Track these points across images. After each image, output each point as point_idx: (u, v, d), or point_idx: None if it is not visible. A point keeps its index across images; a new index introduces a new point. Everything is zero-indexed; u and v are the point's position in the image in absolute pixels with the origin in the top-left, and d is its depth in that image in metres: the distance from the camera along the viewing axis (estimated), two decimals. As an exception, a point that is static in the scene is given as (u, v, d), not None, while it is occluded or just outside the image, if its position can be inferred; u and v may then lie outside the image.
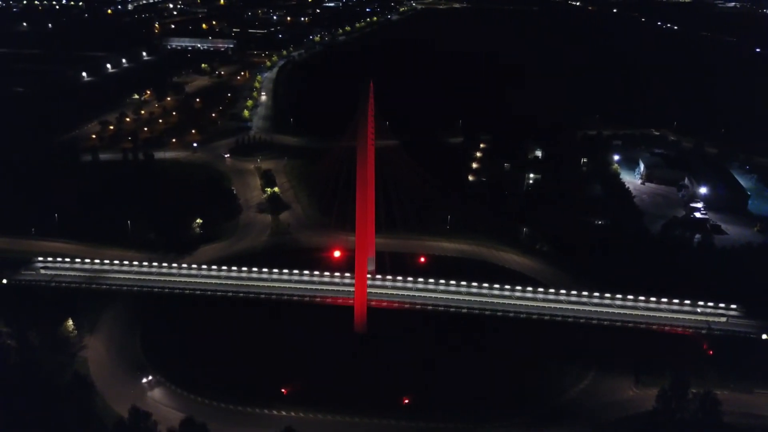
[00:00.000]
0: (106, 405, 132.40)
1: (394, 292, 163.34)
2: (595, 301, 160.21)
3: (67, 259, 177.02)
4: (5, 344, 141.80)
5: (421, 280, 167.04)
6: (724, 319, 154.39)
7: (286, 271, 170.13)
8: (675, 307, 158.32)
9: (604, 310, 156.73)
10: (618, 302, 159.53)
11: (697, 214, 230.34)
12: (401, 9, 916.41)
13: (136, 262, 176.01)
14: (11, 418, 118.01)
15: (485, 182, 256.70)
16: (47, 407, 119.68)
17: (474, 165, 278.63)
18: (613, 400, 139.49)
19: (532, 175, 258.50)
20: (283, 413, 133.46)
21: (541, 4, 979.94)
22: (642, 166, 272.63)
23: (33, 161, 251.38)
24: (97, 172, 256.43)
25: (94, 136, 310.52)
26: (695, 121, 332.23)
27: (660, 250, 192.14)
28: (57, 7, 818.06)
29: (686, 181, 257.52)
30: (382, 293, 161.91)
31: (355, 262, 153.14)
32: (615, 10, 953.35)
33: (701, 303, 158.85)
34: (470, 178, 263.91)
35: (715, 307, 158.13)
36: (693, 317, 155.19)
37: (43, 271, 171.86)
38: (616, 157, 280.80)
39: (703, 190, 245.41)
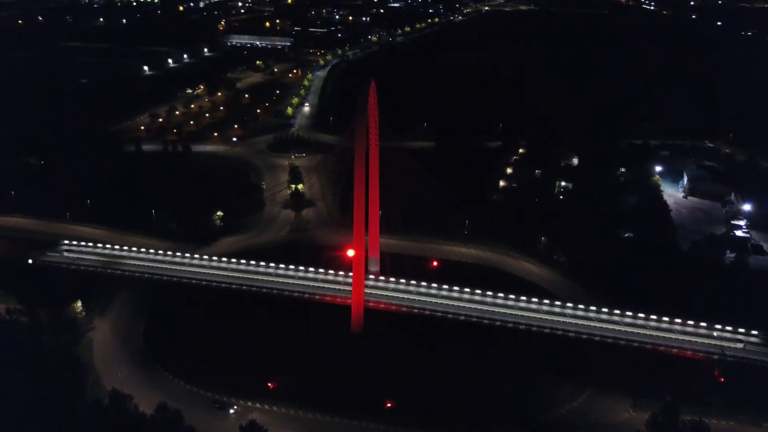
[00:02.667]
0: (100, 383, 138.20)
1: (394, 294, 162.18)
2: (603, 317, 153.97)
3: (90, 244, 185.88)
4: (18, 321, 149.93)
5: (423, 284, 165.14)
6: (740, 345, 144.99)
7: (291, 267, 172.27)
8: (689, 329, 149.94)
9: (610, 327, 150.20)
10: (627, 320, 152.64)
11: (739, 233, 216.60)
12: (465, 11, 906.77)
13: (152, 250, 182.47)
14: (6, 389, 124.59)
15: (514, 188, 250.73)
16: (37, 381, 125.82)
17: (508, 170, 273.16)
18: (606, 422, 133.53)
19: (563, 183, 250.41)
20: (266, 407, 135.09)
21: (611, 7, 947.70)
22: (685, 179, 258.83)
23: (78, 150, 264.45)
24: (137, 162, 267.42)
25: (143, 128, 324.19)
26: (755, 133, 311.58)
27: (687, 268, 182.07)
28: (134, 3, 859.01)
29: (732, 196, 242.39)
30: (381, 295, 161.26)
31: (353, 262, 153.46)
32: (692, 15, 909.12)
33: (718, 326, 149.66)
34: (501, 183, 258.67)
35: (733, 332, 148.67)
36: (706, 341, 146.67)
37: (66, 254, 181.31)
38: (659, 168, 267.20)
39: (748, 207, 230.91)
